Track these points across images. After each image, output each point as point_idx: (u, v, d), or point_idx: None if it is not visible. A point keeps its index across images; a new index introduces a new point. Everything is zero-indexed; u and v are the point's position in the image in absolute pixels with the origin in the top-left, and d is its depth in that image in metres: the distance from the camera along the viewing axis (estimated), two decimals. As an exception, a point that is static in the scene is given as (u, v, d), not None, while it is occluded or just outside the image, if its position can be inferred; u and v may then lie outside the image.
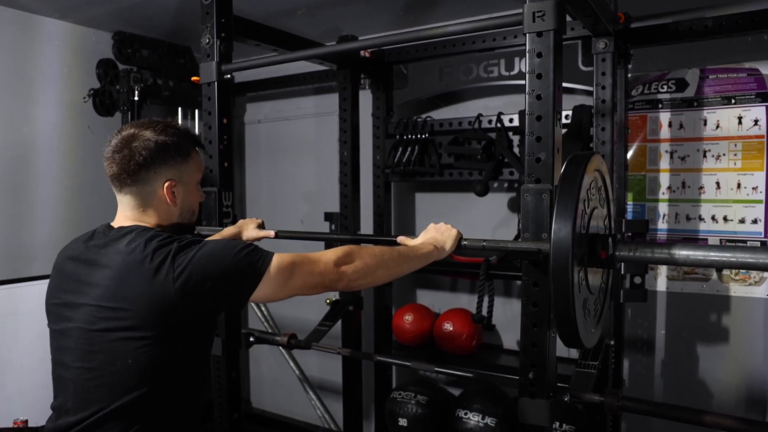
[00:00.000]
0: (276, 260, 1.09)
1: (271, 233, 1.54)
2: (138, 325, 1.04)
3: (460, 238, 1.34)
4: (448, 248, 1.31)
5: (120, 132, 1.18)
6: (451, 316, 2.33)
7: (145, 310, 1.04)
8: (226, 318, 1.76)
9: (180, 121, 3.02)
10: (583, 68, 2.06)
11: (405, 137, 2.37)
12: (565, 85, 1.79)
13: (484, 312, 1.46)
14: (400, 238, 1.37)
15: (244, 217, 1.72)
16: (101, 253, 1.13)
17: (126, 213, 1.20)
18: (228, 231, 1.54)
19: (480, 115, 2.25)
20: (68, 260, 1.18)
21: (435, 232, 1.34)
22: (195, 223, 1.30)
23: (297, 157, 3.00)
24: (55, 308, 1.17)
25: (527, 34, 1.18)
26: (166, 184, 1.18)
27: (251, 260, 1.07)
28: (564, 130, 1.98)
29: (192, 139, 1.24)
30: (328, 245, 2.34)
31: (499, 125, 2.20)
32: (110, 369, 1.06)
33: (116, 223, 1.20)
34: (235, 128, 3.16)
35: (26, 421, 1.97)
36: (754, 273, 1.99)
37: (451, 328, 2.29)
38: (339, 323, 2.36)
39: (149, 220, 1.19)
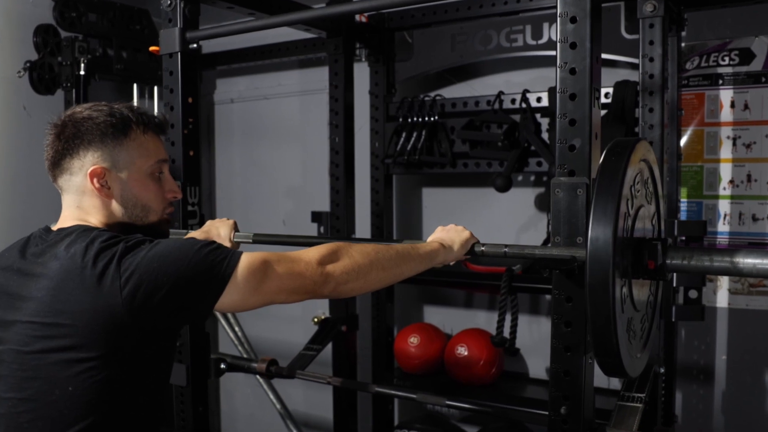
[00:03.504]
0: (245, 260, 1.08)
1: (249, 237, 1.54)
2: (79, 344, 1.04)
3: (473, 242, 1.34)
4: (456, 250, 1.32)
5: (55, 120, 1.20)
6: (466, 338, 2.33)
7: (87, 326, 1.03)
8: (191, 340, 1.76)
9: (136, 101, 3.02)
10: (626, 36, 2.06)
11: (410, 120, 2.37)
12: (604, 56, 1.79)
13: (506, 333, 1.46)
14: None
15: (213, 217, 1.73)
16: (37, 261, 1.12)
17: (66, 212, 1.20)
18: (194, 235, 1.54)
19: (501, 93, 2.25)
20: (0, 271, 1.18)
21: (441, 232, 1.37)
22: (157, 224, 1.26)
23: (278, 144, 3.00)
24: None
25: (558, -6, 1.18)
26: (89, 171, 1.16)
27: (214, 261, 1.06)
28: (603, 112, 1.98)
29: (136, 116, 1.21)
30: (316, 252, 2.35)
31: (524, 105, 2.20)
32: (47, 399, 1.06)
33: (57, 225, 1.20)
34: (203, 109, 3.16)
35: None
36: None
37: (466, 353, 2.29)
38: (329, 347, 2.36)
39: (90, 218, 1.19)
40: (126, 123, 1.19)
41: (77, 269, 1.05)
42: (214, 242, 1.11)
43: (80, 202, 1.19)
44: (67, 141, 1.16)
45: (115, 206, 1.20)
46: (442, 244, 1.32)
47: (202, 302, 1.07)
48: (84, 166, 1.17)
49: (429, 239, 1.36)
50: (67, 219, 1.20)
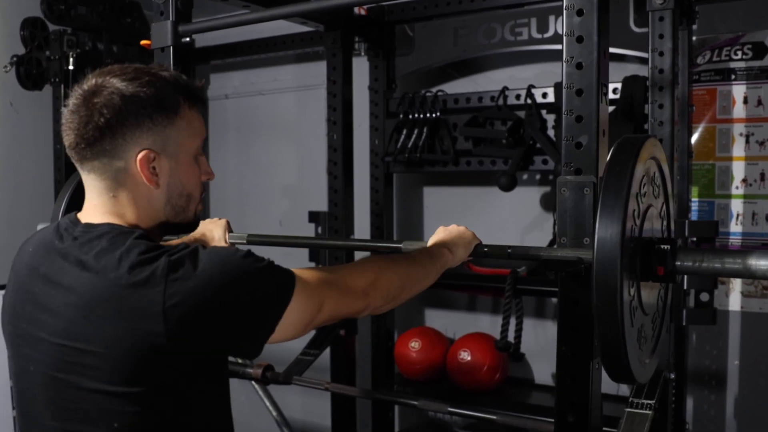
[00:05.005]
0: (301, 286, 0.99)
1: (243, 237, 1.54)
2: (116, 376, 0.93)
3: (476, 243, 1.35)
4: (459, 255, 1.32)
5: (81, 85, 1.02)
6: (469, 343, 2.33)
7: (124, 356, 0.92)
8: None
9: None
10: (635, 29, 2.06)
11: (410, 117, 2.37)
12: (612, 50, 1.78)
13: (511, 337, 1.46)
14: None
15: (206, 216, 1.72)
16: (64, 267, 0.99)
17: (93, 200, 1.05)
18: (188, 237, 1.53)
19: (505, 88, 2.25)
20: (26, 269, 1.06)
21: (444, 234, 1.36)
22: (194, 221, 1.14)
23: (274, 141, 3.00)
24: (11, 338, 1.06)
25: (565, -14, 1.18)
26: (140, 156, 1.00)
27: (277, 284, 0.98)
28: (611, 108, 1.97)
29: (182, 88, 1.06)
30: (314, 253, 2.35)
31: (529, 101, 2.20)
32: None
33: (84, 216, 1.06)
34: (195, 105, 3.16)
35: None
36: None
37: (469, 358, 2.29)
38: (327, 352, 2.36)
39: (124, 211, 1.04)
40: (175, 98, 1.04)
41: (110, 287, 0.93)
42: (268, 261, 1.00)
43: (117, 191, 1.03)
44: (113, 117, 0.98)
45: (160, 196, 1.05)
46: (448, 248, 1.32)
47: (259, 331, 0.98)
48: (131, 149, 1.00)
49: (430, 241, 1.36)
50: (94, 210, 1.05)
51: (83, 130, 1.00)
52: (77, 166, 1.06)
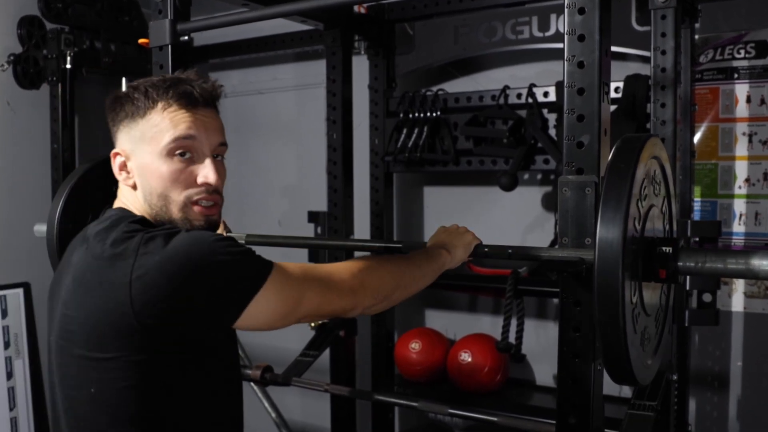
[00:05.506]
0: (279, 276, 1.01)
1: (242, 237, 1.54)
2: (92, 343, 0.99)
3: (476, 244, 1.35)
4: (458, 256, 1.33)
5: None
6: (470, 344, 2.33)
7: (97, 324, 0.99)
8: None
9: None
10: (637, 28, 2.06)
11: (411, 116, 2.37)
12: (614, 49, 1.79)
13: (512, 338, 1.46)
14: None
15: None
16: (77, 246, 1.10)
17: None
18: None
19: (506, 87, 2.25)
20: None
21: (443, 234, 1.37)
22: (185, 221, 1.10)
23: (273, 141, 3.00)
24: (47, 314, 1.16)
25: (566, -15, 1.18)
26: (113, 157, 1.13)
27: (248, 269, 1.00)
28: (613, 107, 1.97)
29: (164, 88, 1.08)
30: (313, 253, 2.35)
31: (530, 100, 2.20)
32: (81, 399, 1.03)
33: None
34: (194, 104, 3.16)
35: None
36: None
37: (470, 359, 2.29)
38: (327, 353, 2.36)
39: (128, 203, 1.14)
40: (148, 100, 1.08)
41: (95, 259, 1.01)
42: (244, 245, 1.03)
43: (120, 187, 1.16)
44: (110, 122, 1.14)
45: (139, 195, 1.11)
46: (447, 249, 1.32)
47: (225, 313, 1.00)
48: (112, 150, 1.13)
49: (429, 242, 1.36)
50: (115, 204, 1.17)
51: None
52: None
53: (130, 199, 1.13)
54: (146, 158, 1.08)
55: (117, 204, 1.15)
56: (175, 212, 1.09)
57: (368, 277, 1.15)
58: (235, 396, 1.18)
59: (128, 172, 1.11)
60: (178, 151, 1.08)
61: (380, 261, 1.24)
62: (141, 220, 1.08)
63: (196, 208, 1.10)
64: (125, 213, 1.10)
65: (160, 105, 1.08)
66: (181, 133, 1.07)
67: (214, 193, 1.11)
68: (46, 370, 1.17)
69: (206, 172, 1.09)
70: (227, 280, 0.99)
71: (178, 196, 1.09)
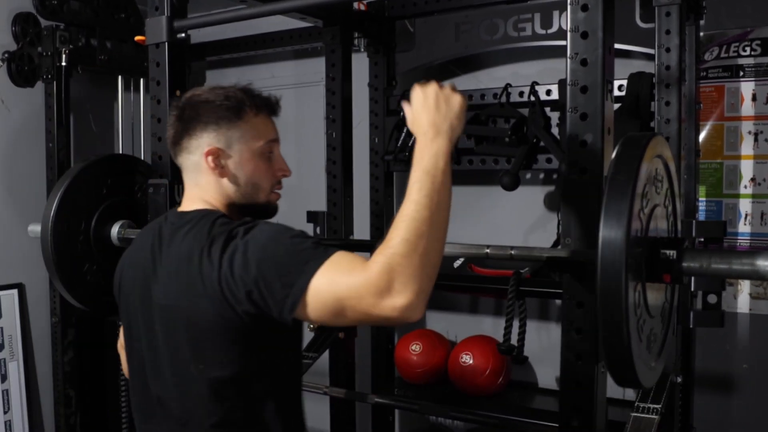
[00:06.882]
0: (323, 280, 1.07)
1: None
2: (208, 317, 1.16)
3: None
4: (458, 131, 1.16)
5: (179, 97, 1.34)
6: (471, 346, 2.33)
7: (203, 299, 1.15)
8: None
9: (121, 94, 3.02)
10: (641, 25, 2.06)
11: (411, 114, 2.37)
12: (618, 46, 1.78)
13: (514, 340, 1.46)
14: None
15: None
16: (167, 250, 1.25)
17: (188, 191, 1.33)
18: None
19: (508, 85, 2.24)
20: (143, 252, 1.31)
21: (425, 112, 1.16)
22: (266, 204, 1.37)
23: (272, 139, 3.00)
24: (128, 307, 1.33)
25: (569, -19, 1.18)
26: (206, 152, 1.26)
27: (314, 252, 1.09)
28: (617, 105, 1.97)
29: (250, 99, 1.31)
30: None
31: (532, 98, 2.19)
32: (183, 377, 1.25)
33: (182, 206, 1.32)
34: (191, 102, 3.16)
35: None
36: None
37: (471, 361, 2.29)
38: (326, 355, 2.36)
39: (208, 196, 1.30)
40: (240, 105, 1.29)
41: (198, 247, 1.16)
42: (312, 238, 1.14)
43: (198, 180, 1.30)
44: (187, 122, 1.27)
45: (227, 184, 1.29)
46: (447, 138, 1.13)
47: (282, 300, 1.09)
48: (201, 145, 1.27)
49: (411, 125, 1.20)
50: (188, 199, 1.32)
51: (172, 132, 1.30)
52: (175, 162, 1.35)
53: (209, 187, 1.29)
54: (245, 155, 1.30)
55: (190, 200, 1.31)
56: (262, 197, 1.35)
57: (392, 272, 1.01)
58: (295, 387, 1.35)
59: (222, 167, 1.27)
60: (268, 152, 1.34)
61: (393, 234, 1.07)
62: (225, 216, 1.26)
63: (273, 195, 1.39)
64: (206, 212, 1.26)
65: (251, 111, 1.30)
66: (272, 136, 1.35)
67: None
68: (135, 357, 1.32)
69: (284, 166, 1.40)
70: (289, 266, 1.11)
71: (266, 185, 1.35)
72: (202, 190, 1.30)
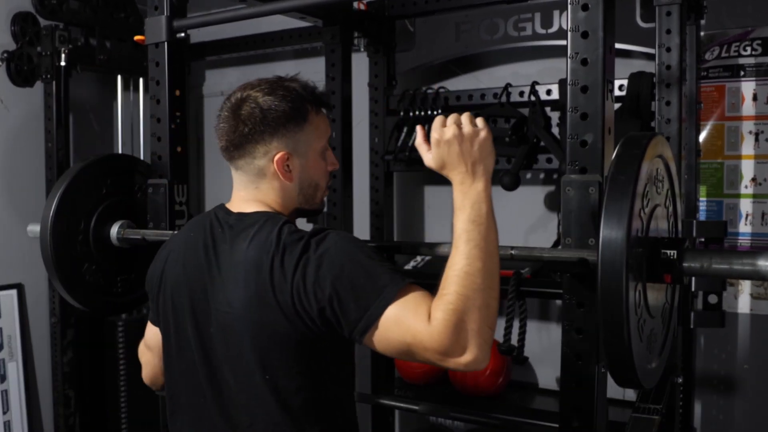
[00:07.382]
0: (393, 318, 1.07)
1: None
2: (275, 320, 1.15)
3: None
4: (491, 167, 1.17)
5: (229, 98, 1.28)
6: (471, 346, 2.33)
7: (269, 305, 1.14)
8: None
9: (120, 93, 3.02)
10: (642, 25, 2.06)
11: (412, 114, 2.37)
12: (618, 46, 1.78)
13: (514, 340, 1.46)
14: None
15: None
16: (229, 251, 1.22)
17: (240, 192, 1.30)
18: None
19: (508, 85, 2.25)
20: (187, 250, 1.29)
21: (454, 158, 1.15)
22: (321, 204, 1.37)
23: (271, 139, 3.00)
24: (174, 306, 1.29)
25: (569, -20, 1.18)
26: (276, 158, 1.24)
27: (392, 280, 1.08)
28: (617, 105, 1.98)
29: (310, 98, 1.29)
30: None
31: (533, 98, 2.20)
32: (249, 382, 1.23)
33: (234, 206, 1.29)
34: (191, 102, 3.16)
35: None
36: None
37: (471, 362, 2.29)
38: (326, 355, 2.36)
39: (268, 200, 1.28)
40: (303, 106, 1.26)
41: (268, 256, 1.14)
42: (380, 255, 1.14)
43: (258, 184, 1.27)
44: (254, 126, 1.23)
45: (292, 188, 1.28)
46: (484, 183, 1.14)
47: (349, 321, 1.10)
48: (269, 151, 1.24)
49: (438, 168, 1.18)
50: (244, 200, 1.28)
51: (232, 136, 1.25)
52: (228, 163, 1.30)
53: (272, 191, 1.27)
54: (310, 156, 1.29)
55: (246, 201, 1.28)
56: (320, 196, 1.35)
57: (464, 325, 1.03)
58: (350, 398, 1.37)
59: (290, 171, 1.26)
60: (326, 149, 1.32)
61: (450, 289, 1.06)
62: (289, 221, 1.23)
63: (326, 192, 1.37)
64: (269, 215, 1.24)
65: (312, 110, 1.28)
66: (329, 135, 1.34)
67: None
68: (183, 355, 1.28)
69: (334, 160, 1.36)
70: (384, 283, 1.11)
71: (323, 183, 1.34)
72: (261, 192, 1.28)
